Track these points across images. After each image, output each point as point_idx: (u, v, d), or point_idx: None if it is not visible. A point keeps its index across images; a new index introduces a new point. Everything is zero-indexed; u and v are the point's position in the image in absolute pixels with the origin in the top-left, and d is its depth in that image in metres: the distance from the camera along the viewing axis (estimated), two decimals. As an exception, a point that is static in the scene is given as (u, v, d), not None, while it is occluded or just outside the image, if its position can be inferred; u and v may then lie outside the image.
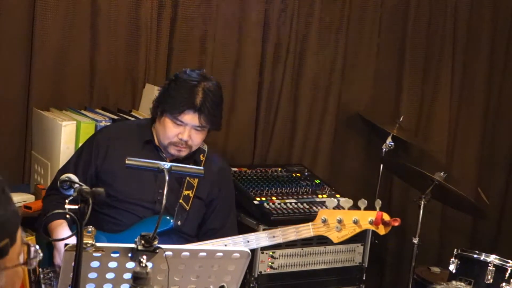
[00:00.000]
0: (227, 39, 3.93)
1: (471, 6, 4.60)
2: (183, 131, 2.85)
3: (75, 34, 3.53)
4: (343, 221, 2.80)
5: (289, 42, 4.07)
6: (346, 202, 2.79)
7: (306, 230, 2.82)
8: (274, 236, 2.82)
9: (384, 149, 4.06)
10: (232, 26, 3.93)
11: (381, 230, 2.83)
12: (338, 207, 2.86)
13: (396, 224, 2.81)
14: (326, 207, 2.83)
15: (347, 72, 4.32)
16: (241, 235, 2.84)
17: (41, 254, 1.40)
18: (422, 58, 4.54)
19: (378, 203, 2.81)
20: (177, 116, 2.84)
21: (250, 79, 4.03)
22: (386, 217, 2.80)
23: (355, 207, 2.86)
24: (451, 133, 4.70)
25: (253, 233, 2.84)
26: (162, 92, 2.95)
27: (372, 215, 2.81)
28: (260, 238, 2.81)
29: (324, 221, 2.80)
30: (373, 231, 3.62)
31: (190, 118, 2.84)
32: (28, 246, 1.38)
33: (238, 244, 2.76)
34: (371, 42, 4.36)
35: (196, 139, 2.89)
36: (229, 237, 2.80)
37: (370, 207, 2.84)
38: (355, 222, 2.80)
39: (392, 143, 4.05)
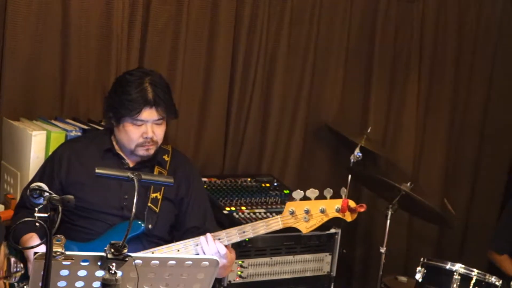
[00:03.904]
0: (197, 52, 3.95)
1: (437, 18, 4.69)
2: (145, 129, 2.90)
3: (45, 44, 3.52)
4: (310, 212, 2.83)
5: (258, 54, 4.10)
6: (312, 192, 2.81)
7: (275, 223, 2.85)
8: (244, 232, 2.85)
9: (352, 160, 4.08)
10: (202, 39, 3.96)
11: (348, 217, 2.86)
12: (304, 198, 2.89)
13: (362, 210, 2.83)
14: (293, 199, 2.87)
15: (316, 84, 4.36)
16: (211, 233, 2.85)
17: (23, 269, 1.41)
18: (389, 70, 4.61)
19: (343, 191, 2.83)
20: (137, 117, 2.87)
21: (220, 91, 4.05)
22: (352, 203, 2.83)
23: (322, 197, 2.88)
24: (417, 144, 4.77)
25: (223, 230, 2.86)
26: (110, 101, 2.95)
27: (338, 203, 2.83)
28: (232, 235, 2.84)
29: (292, 212, 2.83)
30: (341, 240, 3.71)
31: (149, 114, 2.88)
32: (9, 259, 1.39)
33: (209, 242, 2.79)
34: (339, 55, 4.42)
35: (159, 132, 2.94)
36: (198, 237, 2.83)
37: (337, 196, 2.86)
38: (322, 211, 2.83)
39: (360, 154, 4.08)
